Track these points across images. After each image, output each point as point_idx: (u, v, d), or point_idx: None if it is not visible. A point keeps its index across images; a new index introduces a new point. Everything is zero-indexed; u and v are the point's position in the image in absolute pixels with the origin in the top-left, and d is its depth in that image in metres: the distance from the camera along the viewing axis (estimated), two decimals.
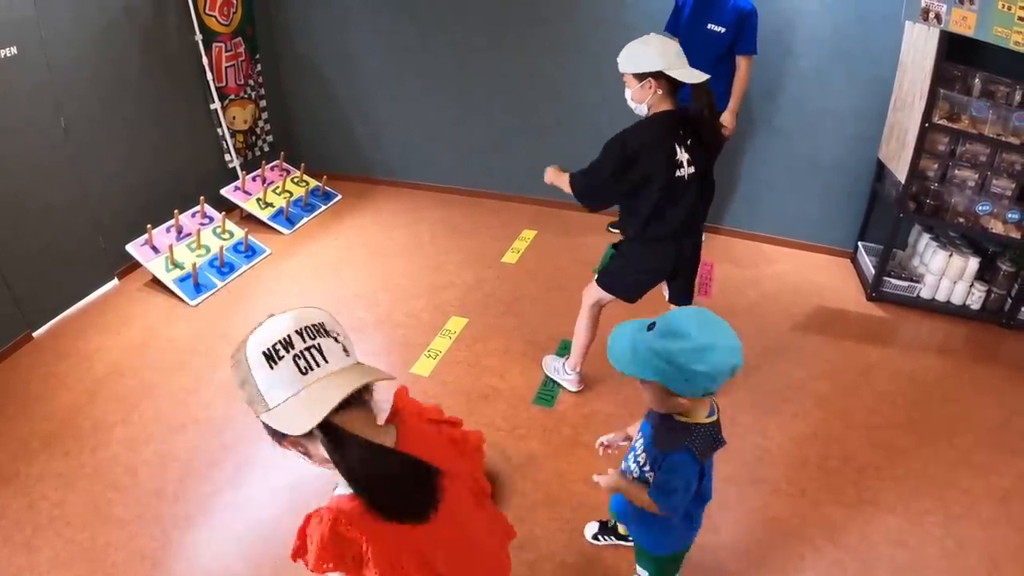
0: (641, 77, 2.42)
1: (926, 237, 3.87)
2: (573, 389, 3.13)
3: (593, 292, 2.86)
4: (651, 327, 1.48)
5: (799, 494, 2.63)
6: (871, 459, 2.80)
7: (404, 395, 1.28)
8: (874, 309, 3.87)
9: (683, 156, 2.46)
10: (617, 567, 2.34)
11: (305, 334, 1.04)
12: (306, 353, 1.03)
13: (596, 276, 2.84)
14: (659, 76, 2.40)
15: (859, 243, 4.22)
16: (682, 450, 1.59)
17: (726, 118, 3.83)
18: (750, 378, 3.24)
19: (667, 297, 2.91)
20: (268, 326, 1.06)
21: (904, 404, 3.12)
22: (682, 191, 2.51)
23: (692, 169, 2.50)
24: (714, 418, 1.62)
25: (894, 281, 3.82)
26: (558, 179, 2.71)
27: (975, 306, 3.71)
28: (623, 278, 2.77)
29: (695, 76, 2.39)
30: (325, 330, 1.07)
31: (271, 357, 1.02)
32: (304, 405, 1.01)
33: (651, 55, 2.38)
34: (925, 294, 3.81)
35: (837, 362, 3.39)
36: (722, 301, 3.87)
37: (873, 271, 3.88)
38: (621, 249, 2.76)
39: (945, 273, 3.71)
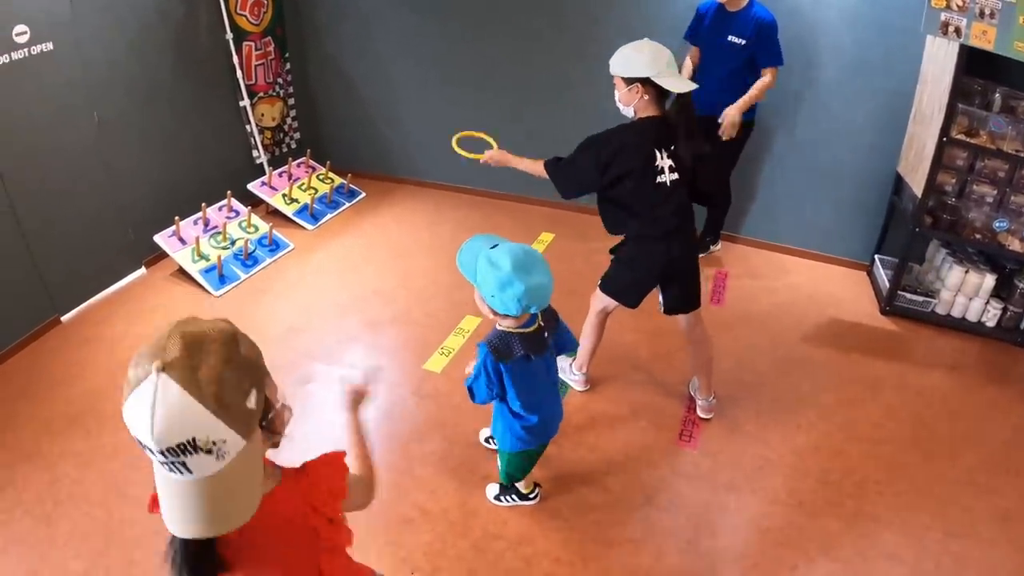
0: (630, 81, 2.48)
1: (943, 252, 3.83)
2: (579, 389, 3.19)
3: (598, 299, 2.92)
4: (494, 246, 1.88)
5: (797, 505, 2.65)
6: (872, 473, 2.80)
7: (323, 464, 1.21)
8: (887, 323, 3.84)
9: (664, 163, 2.52)
10: (609, 569, 2.38)
11: (168, 454, 0.92)
12: (168, 464, 0.94)
13: (599, 283, 2.89)
14: (647, 82, 2.45)
15: (876, 256, 4.19)
16: (481, 343, 2.02)
17: (732, 110, 3.67)
18: (756, 388, 3.26)
19: (661, 308, 2.88)
20: (133, 415, 0.92)
21: (910, 420, 3.11)
22: (667, 196, 2.55)
23: (676, 176, 2.55)
24: (526, 329, 2.00)
25: (909, 296, 3.79)
26: (509, 160, 2.85)
27: (990, 323, 3.67)
28: (620, 283, 2.82)
29: (683, 85, 2.45)
30: (196, 446, 0.92)
31: (140, 444, 0.93)
32: (166, 507, 0.98)
33: (642, 61, 2.44)
34: (940, 310, 3.77)
35: (845, 375, 3.39)
36: (735, 310, 3.88)
37: (888, 285, 3.85)
38: (617, 255, 2.82)
39: (961, 289, 3.67)
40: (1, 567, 2.35)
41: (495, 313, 1.95)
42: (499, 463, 2.51)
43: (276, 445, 1.14)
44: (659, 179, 2.53)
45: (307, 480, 1.16)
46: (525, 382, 2.07)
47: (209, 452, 0.93)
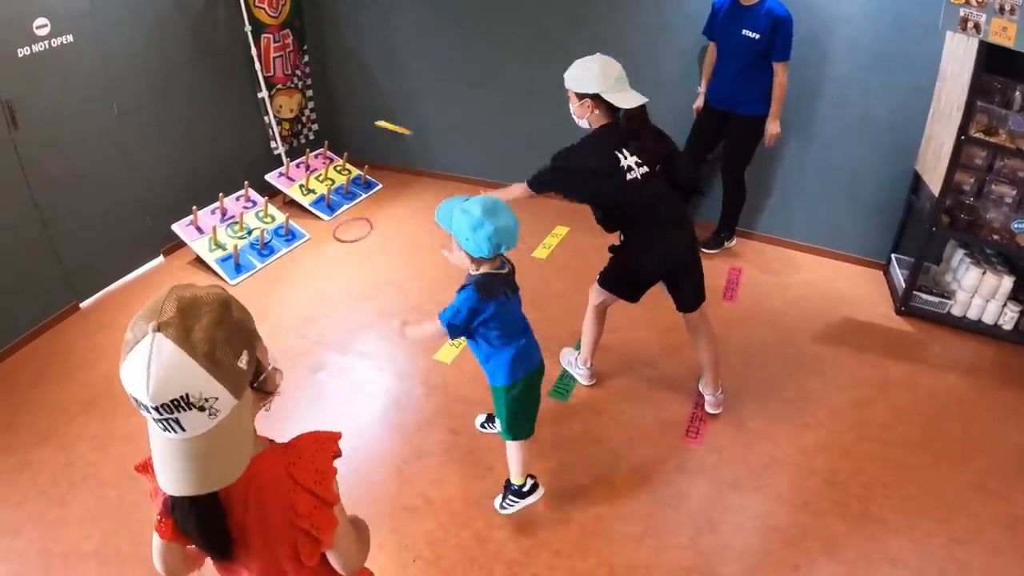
0: (580, 96, 2.55)
1: (960, 252, 3.77)
2: (585, 383, 3.21)
3: (596, 292, 2.95)
4: (465, 200, 2.13)
5: (802, 505, 2.64)
6: (880, 475, 2.78)
7: (311, 439, 1.22)
8: (902, 323, 3.79)
9: (629, 160, 2.55)
10: (610, 562, 2.40)
11: (163, 410, 0.96)
12: (163, 422, 0.98)
13: (597, 278, 2.91)
14: (596, 98, 2.52)
15: (892, 255, 4.13)
16: (466, 287, 2.19)
17: (770, 124, 3.85)
18: (765, 385, 3.24)
19: (675, 305, 2.90)
20: (130, 374, 0.96)
21: (921, 422, 3.07)
22: (641, 190, 2.56)
23: (645, 169, 2.57)
24: (501, 271, 2.22)
25: (925, 296, 3.73)
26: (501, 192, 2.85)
27: (1007, 327, 3.60)
28: (619, 278, 2.85)
29: (632, 100, 2.51)
30: (189, 403, 0.96)
31: (136, 402, 0.97)
32: (160, 466, 1.03)
33: (590, 78, 2.51)
34: (956, 311, 3.71)
35: (857, 375, 3.35)
36: (748, 306, 3.86)
37: (904, 284, 3.80)
38: (615, 251, 2.83)
39: (977, 291, 3.61)
40: (15, 546, 2.42)
41: (472, 259, 2.16)
42: (497, 419, 2.48)
43: (268, 408, 1.18)
44: (629, 176, 2.55)
45: (293, 452, 1.19)
46: (505, 320, 2.27)
47: (202, 409, 0.97)
